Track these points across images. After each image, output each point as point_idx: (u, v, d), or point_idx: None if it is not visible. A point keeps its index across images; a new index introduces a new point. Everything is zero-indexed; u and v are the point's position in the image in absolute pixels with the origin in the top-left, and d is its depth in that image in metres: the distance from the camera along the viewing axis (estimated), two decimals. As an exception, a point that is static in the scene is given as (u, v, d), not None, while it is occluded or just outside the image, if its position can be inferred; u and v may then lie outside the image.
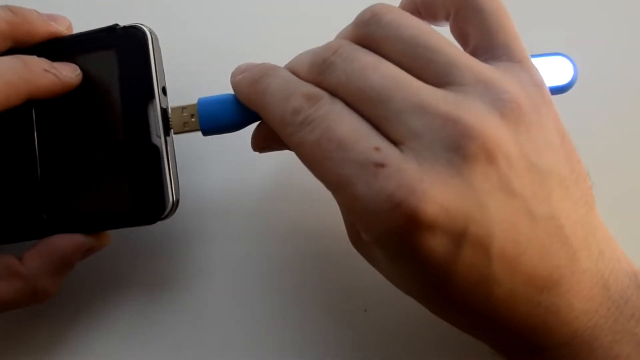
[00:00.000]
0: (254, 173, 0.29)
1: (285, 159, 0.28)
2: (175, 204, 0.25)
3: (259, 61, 0.24)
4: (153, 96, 0.25)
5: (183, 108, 0.25)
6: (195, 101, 0.25)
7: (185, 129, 0.25)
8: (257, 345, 0.28)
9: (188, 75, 0.29)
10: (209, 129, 0.25)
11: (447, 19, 0.23)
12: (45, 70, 0.24)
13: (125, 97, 0.25)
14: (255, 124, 0.25)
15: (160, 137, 0.24)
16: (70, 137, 0.25)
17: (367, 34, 0.21)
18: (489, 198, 0.18)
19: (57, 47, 0.25)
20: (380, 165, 0.19)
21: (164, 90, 0.25)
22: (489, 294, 0.19)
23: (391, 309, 0.28)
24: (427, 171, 0.18)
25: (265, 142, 0.25)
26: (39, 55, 0.24)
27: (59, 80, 0.24)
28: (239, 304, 0.28)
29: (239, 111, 0.25)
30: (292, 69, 0.23)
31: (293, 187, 0.29)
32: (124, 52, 0.25)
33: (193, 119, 0.25)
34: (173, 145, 0.25)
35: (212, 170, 0.29)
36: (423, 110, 0.19)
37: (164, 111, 0.25)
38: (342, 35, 0.22)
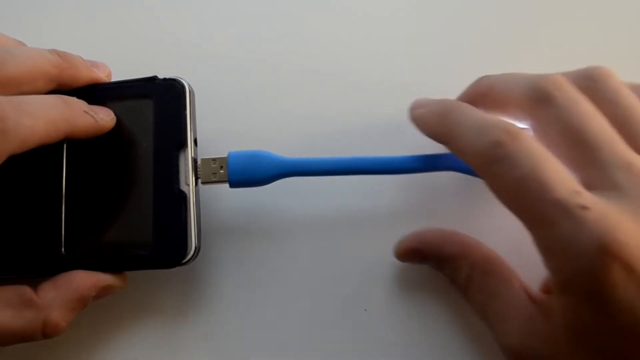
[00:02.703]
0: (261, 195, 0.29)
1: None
2: (197, 251, 0.25)
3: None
4: (185, 145, 0.26)
5: (213, 159, 0.26)
6: (225, 154, 0.26)
7: (213, 179, 0.26)
8: (258, 346, 0.28)
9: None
10: (236, 182, 0.26)
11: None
12: (85, 111, 0.25)
13: (158, 143, 0.26)
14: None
15: (188, 185, 0.25)
16: (98, 177, 0.26)
17: (590, 87, 0.23)
18: None
19: (96, 91, 0.27)
20: (585, 208, 0.20)
21: (195, 142, 0.26)
22: None
23: (391, 309, 0.28)
24: (630, 218, 0.20)
25: (413, 252, 0.27)
26: (78, 98, 0.25)
27: (96, 122, 0.25)
28: (242, 306, 0.28)
29: (267, 167, 0.26)
30: (492, 85, 0.25)
31: (295, 190, 0.29)
32: (161, 101, 0.26)
33: (222, 171, 0.26)
34: (199, 195, 0.26)
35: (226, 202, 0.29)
36: (629, 167, 0.20)
37: (194, 161, 0.26)
38: (562, 75, 0.23)
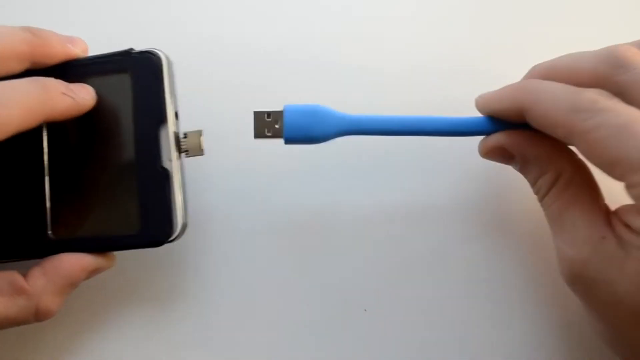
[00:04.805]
0: (257, 184, 0.29)
1: (289, 170, 0.29)
2: (184, 227, 0.25)
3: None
4: (166, 120, 0.25)
5: (267, 113, 0.25)
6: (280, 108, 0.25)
7: (267, 134, 0.25)
8: (259, 346, 0.28)
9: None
10: (292, 138, 0.25)
11: None
12: (63, 93, 0.24)
13: (138, 120, 0.25)
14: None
15: (171, 161, 0.25)
16: (80, 156, 0.26)
17: None
18: None
19: (72, 68, 0.26)
20: None
21: (176, 115, 0.26)
22: None
23: (391, 309, 0.28)
24: None
25: (500, 150, 0.25)
26: (55, 76, 0.24)
27: (76, 103, 0.24)
28: (242, 307, 0.28)
29: (326, 124, 0.25)
30: (552, 67, 0.25)
31: (296, 191, 0.29)
32: (138, 76, 0.25)
33: (277, 126, 0.25)
34: (183, 169, 0.26)
35: (217, 183, 0.29)
36: None
37: (176, 135, 0.25)
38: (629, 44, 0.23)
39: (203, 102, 0.29)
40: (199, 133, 0.26)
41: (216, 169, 0.29)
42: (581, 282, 0.23)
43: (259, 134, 0.25)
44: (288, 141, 0.25)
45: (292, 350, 0.28)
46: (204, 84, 0.29)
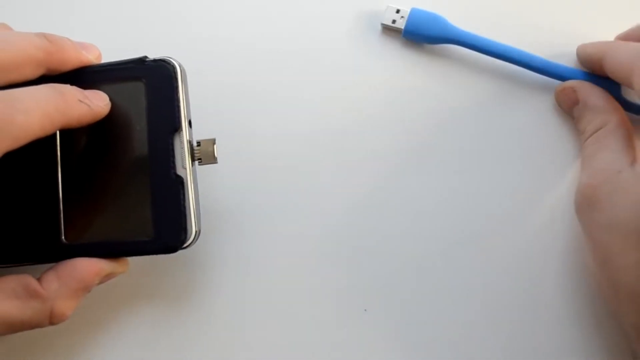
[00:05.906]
0: (262, 186, 0.30)
1: (291, 172, 0.30)
2: (197, 234, 0.25)
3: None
4: (180, 128, 0.25)
5: (397, 10, 0.30)
6: None
7: (392, 25, 0.30)
8: (259, 346, 0.28)
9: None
10: (410, 32, 0.30)
11: None
12: (79, 100, 0.24)
13: (152, 127, 0.25)
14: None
15: (185, 169, 0.25)
16: (94, 163, 0.26)
17: None
18: None
19: (86, 75, 0.26)
20: None
21: (190, 123, 0.26)
22: None
23: (391, 309, 0.28)
24: None
25: (572, 92, 0.29)
26: (69, 83, 0.24)
27: (91, 110, 0.24)
28: (244, 308, 0.29)
29: (441, 28, 0.30)
30: (637, 32, 0.29)
31: (298, 194, 0.30)
32: (152, 84, 0.25)
33: (401, 19, 0.30)
34: (196, 177, 0.26)
35: (224, 183, 0.30)
36: None
37: (190, 143, 0.26)
38: None
39: (213, 108, 0.30)
40: (212, 141, 0.26)
41: (216, 169, 0.29)
42: (587, 204, 0.26)
43: (386, 23, 0.30)
44: (406, 34, 0.30)
45: (292, 350, 0.28)
46: (209, 86, 0.30)
